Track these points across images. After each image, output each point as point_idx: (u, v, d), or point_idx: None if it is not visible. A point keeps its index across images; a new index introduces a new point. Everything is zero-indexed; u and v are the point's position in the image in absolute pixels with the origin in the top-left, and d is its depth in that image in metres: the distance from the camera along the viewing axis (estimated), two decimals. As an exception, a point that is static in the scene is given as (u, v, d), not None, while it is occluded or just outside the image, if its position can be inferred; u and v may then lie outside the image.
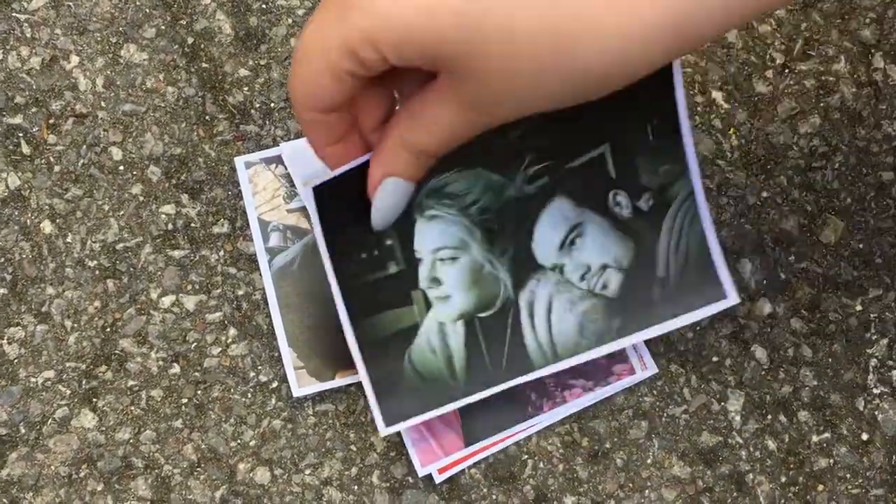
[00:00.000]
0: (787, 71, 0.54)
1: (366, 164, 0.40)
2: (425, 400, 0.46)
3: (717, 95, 0.53)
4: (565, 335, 0.47)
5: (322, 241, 0.43)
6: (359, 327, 0.46)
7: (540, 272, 0.47)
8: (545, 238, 0.47)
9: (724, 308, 0.46)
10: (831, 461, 0.49)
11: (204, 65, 0.53)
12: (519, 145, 0.45)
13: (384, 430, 0.46)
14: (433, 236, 0.46)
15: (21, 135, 0.51)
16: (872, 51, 0.54)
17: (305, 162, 0.51)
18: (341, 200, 0.42)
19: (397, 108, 0.39)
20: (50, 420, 0.48)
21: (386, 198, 0.39)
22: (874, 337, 0.51)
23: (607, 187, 0.46)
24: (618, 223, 0.47)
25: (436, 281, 0.46)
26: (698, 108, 0.53)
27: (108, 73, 0.52)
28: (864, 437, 0.50)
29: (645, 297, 0.47)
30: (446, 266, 0.46)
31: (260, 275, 0.50)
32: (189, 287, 0.50)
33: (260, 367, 0.49)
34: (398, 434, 0.48)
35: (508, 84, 0.33)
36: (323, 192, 0.41)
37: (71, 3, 0.53)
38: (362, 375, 0.46)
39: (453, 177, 0.45)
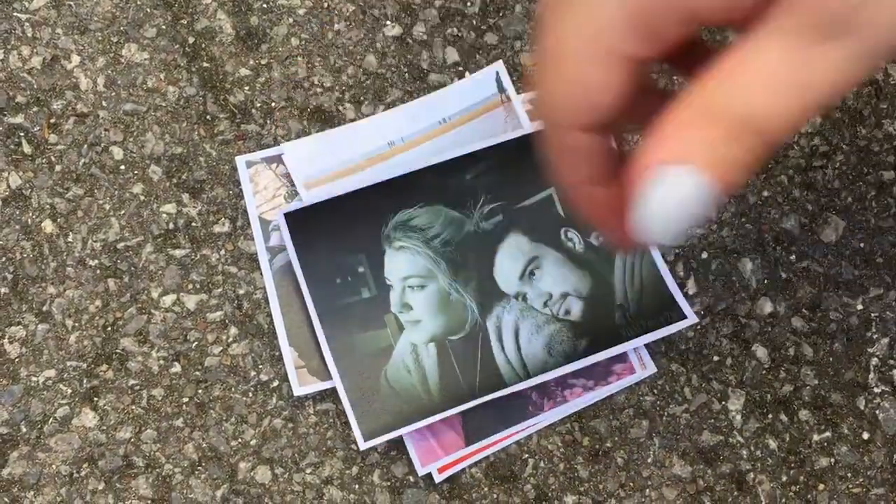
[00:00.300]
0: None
1: (335, 198, 0.42)
2: (403, 415, 0.48)
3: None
4: (534, 355, 0.49)
5: (297, 264, 0.47)
6: (337, 347, 0.49)
7: (504, 299, 0.50)
8: (505, 269, 0.50)
9: (686, 326, 0.50)
10: (832, 460, 0.49)
11: (205, 64, 0.53)
12: (474, 184, 0.50)
13: (363, 445, 0.48)
14: (402, 265, 0.50)
15: (22, 134, 0.51)
16: (873, 50, 0.54)
17: (309, 158, 0.51)
18: (314, 227, 0.45)
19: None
20: (51, 419, 0.48)
21: (673, 194, 0.23)
22: (875, 336, 0.51)
23: (558, 225, 0.50)
24: (572, 256, 0.50)
25: (406, 306, 0.50)
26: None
27: (109, 72, 0.52)
28: (865, 435, 0.50)
29: (607, 321, 0.50)
30: (415, 293, 0.50)
31: (261, 274, 0.50)
32: (190, 286, 0.50)
33: (261, 366, 0.49)
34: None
35: None
36: (296, 218, 0.44)
37: (72, 3, 0.53)
38: (341, 393, 0.48)
39: (417, 211, 0.50)
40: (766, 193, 0.52)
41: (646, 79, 0.25)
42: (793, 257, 0.51)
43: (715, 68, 0.22)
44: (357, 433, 0.48)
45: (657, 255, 0.50)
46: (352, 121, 0.52)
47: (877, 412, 0.50)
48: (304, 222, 0.48)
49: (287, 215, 0.48)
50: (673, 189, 0.22)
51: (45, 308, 0.50)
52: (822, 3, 0.21)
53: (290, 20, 0.54)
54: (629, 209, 0.23)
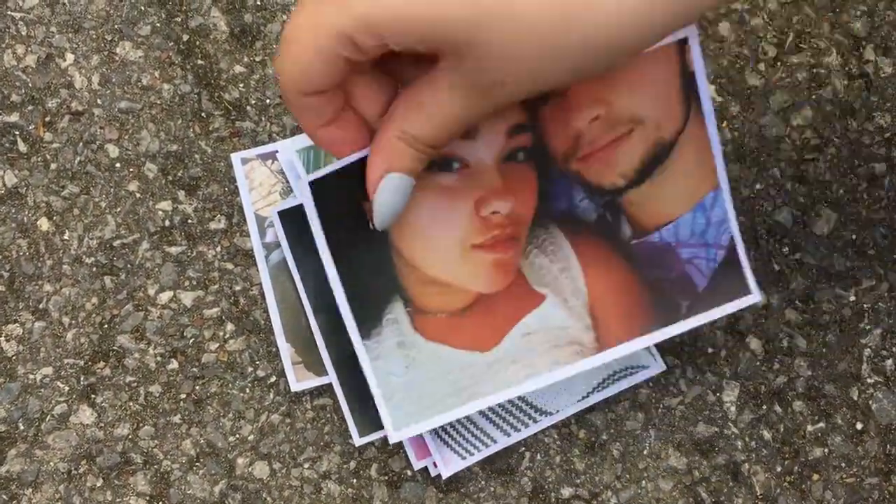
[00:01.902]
0: (779, 64, 0.54)
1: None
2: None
3: (710, 88, 0.54)
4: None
5: (291, 261, 0.43)
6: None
7: None
8: None
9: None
10: (826, 450, 0.50)
11: (199, 62, 0.53)
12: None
13: (360, 440, 0.47)
14: None
15: (17, 133, 0.51)
16: (864, 43, 0.54)
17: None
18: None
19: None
20: (49, 416, 0.49)
21: (387, 195, 0.36)
22: (867, 327, 0.51)
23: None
24: None
25: None
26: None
27: (104, 70, 0.53)
28: (859, 426, 0.50)
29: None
30: None
31: (257, 270, 0.50)
32: (186, 283, 0.50)
33: (258, 362, 0.49)
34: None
35: (511, 64, 0.33)
36: (291, 215, 0.40)
37: (66, 1, 0.53)
38: (337, 388, 0.47)
39: None
40: (758, 186, 0.52)
41: (368, 66, 0.36)
42: (785, 249, 0.52)
43: (403, 100, 0.35)
44: (353, 428, 0.48)
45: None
46: (346, 117, 0.52)
47: (870, 402, 0.50)
48: (299, 219, 0.47)
49: (281, 213, 0.46)
50: (390, 188, 0.36)
51: (41, 306, 0.50)
52: (480, 75, 0.33)
53: (285, 17, 0.54)
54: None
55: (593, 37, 0.32)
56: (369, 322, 0.42)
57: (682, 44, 0.40)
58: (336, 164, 0.38)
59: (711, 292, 0.42)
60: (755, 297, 0.43)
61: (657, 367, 0.49)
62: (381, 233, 0.40)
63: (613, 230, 0.40)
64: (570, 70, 0.33)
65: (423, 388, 0.42)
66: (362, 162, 0.37)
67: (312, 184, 0.39)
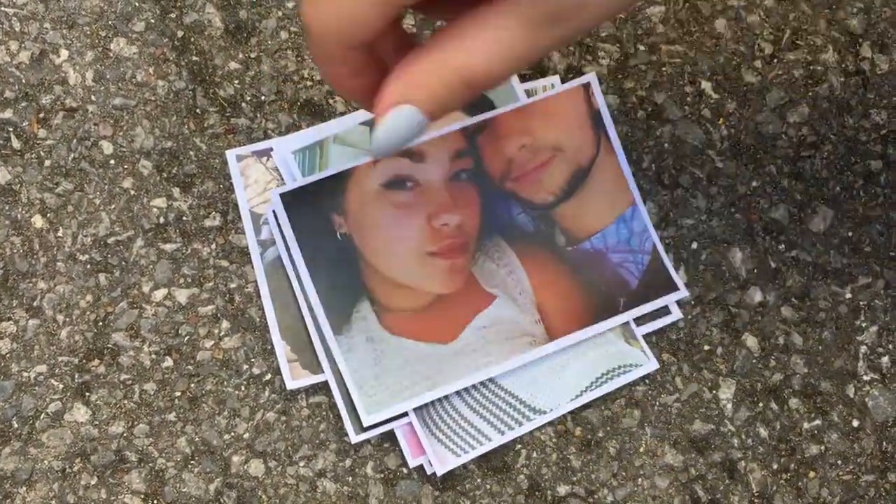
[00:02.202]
0: (775, 61, 0.54)
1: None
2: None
3: (706, 85, 0.54)
4: None
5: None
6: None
7: None
8: None
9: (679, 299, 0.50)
10: (822, 448, 0.50)
11: (194, 58, 0.53)
12: None
13: (356, 438, 0.48)
14: None
15: (11, 129, 0.51)
16: (860, 40, 0.54)
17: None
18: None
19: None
20: (43, 414, 0.48)
21: (394, 128, 0.32)
22: (864, 324, 0.51)
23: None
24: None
25: None
26: (688, 99, 0.53)
27: (98, 66, 0.52)
28: (855, 423, 0.50)
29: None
30: None
31: (252, 267, 0.50)
32: (181, 280, 0.50)
33: (253, 360, 0.49)
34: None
35: None
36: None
37: (60, -3, 0.53)
38: (333, 386, 0.48)
39: None
40: (755, 183, 0.52)
41: (398, 18, 0.32)
42: (782, 247, 0.52)
43: (449, 31, 0.30)
44: (349, 426, 0.48)
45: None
46: (342, 114, 0.52)
47: (866, 400, 0.50)
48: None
49: (283, 196, 0.48)
50: (401, 121, 0.32)
51: (35, 303, 0.49)
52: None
53: (280, 13, 0.54)
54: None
55: None
56: (340, 319, 0.48)
57: (587, 87, 0.50)
58: (306, 180, 0.43)
59: (644, 289, 0.49)
60: (682, 292, 0.50)
61: (651, 365, 0.49)
62: (348, 242, 0.46)
63: (549, 239, 0.48)
64: None
65: (392, 377, 0.47)
66: (331, 178, 0.42)
67: (284, 196, 0.44)
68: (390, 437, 0.48)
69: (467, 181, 0.45)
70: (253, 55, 0.53)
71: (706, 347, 0.51)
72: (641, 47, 0.53)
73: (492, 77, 0.30)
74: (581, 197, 0.48)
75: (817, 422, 0.50)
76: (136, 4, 0.53)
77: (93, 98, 0.52)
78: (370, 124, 0.51)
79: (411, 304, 0.47)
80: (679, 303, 0.50)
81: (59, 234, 0.50)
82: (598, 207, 0.48)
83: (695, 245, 0.51)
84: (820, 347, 0.51)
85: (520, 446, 0.49)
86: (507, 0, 0.29)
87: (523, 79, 0.52)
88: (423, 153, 0.46)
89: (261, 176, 0.51)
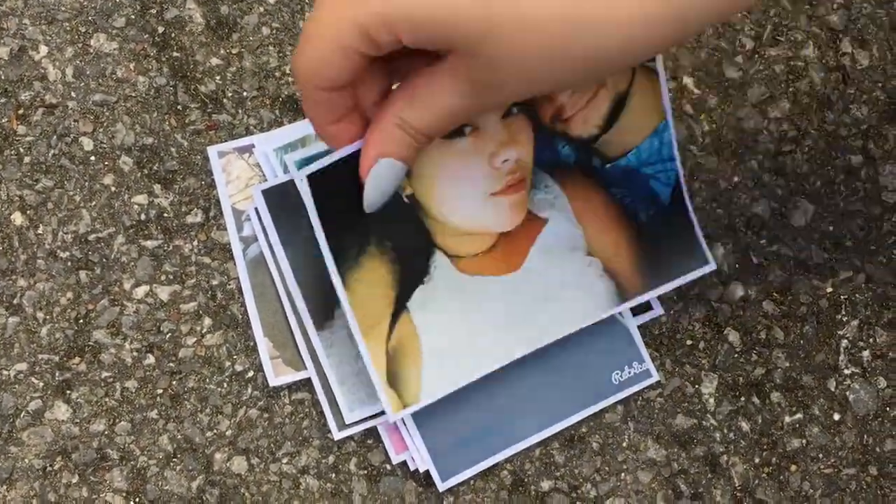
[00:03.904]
0: (756, 56, 0.54)
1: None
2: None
3: (688, 81, 0.54)
4: None
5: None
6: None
7: None
8: None
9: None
10: (804, 441, 0.50)
11: (175, 54, 0.52)
12: None
13: (338, 434, 0.48)
14: None
15: (-10, 126, 0.51)
16: (840, 36, 0.55)
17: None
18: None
19: (394, 86, 0.39)
20: (23, 413, 0.48)
21: (379, 179, 0.39)
22: (845, 318, 0.51)
23: None
24: None
25: None
26: (670, 94, 0.53)
27: (78, 62, 0.52)
28: (836, 417, 0.50)
29: None
30: None
31: (234, 264, 0.50)
32: (163, 277, 0.50)
33: (235, 357, 0.49)
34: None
35: (517, 66, 0.35)
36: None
37: (39, -7, 0.52)
38: (315, 383, 0.48)
39: None
40: (736, 179, 0.53)
41: (375, 61, 0.37)
42: (763, 242, 0.52)
43: (404, 89, 0.37)
44: (332, 423, 0.48)
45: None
46: (324, 110, 0.52)
47: (847, 393, 0.50)
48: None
49: (311, 177, 0.46)
50: (382, 172, 0.39)
51: (15, 301, 0.49)
52: (486, 73, 0.35)
53: (261, 9, 0.53)
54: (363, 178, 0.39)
55: (601, 47, 0.34)
56: (323, 315, 0.48)
57: None
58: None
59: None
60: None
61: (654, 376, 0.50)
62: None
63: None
64: (571, 78, 0.36)
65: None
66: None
67: (311, 177, 0.42)
68: (373, 433, 0.48)
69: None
70: (234, 51, 0.53)
71: (688, 342, 0.51)
72: (623, 43, 0.54)
73: (441, 130, 0.38)
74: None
75: (799, 416, 0.50)
76: (117, 0, 0.53)
77: (73, 94, 0.52)
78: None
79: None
80: (661, 298, 0.51)
81: (39, 231, 0.50)
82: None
83: (677, 240, 0.52)
84: (801, 342, 0.51)
85: (503, 442, 0.49)
86: (448, 69, 0.35)
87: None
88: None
89: (242, 172, 0.51)
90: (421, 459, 0.47)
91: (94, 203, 0.50)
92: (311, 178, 0.41)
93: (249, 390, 0.49)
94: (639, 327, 0.50)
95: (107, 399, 0.48)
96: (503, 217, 0.46)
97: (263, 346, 0.49)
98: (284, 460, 0.48)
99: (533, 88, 0.36)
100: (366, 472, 0.48)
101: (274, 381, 0.48)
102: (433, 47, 0.35)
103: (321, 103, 0.38)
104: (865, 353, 0.51)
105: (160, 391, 0.49)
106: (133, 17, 0.53)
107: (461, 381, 0.47)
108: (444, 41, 0.34)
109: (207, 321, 0.49)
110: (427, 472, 0.48)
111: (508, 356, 0.47)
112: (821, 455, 0.50)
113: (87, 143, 0.51)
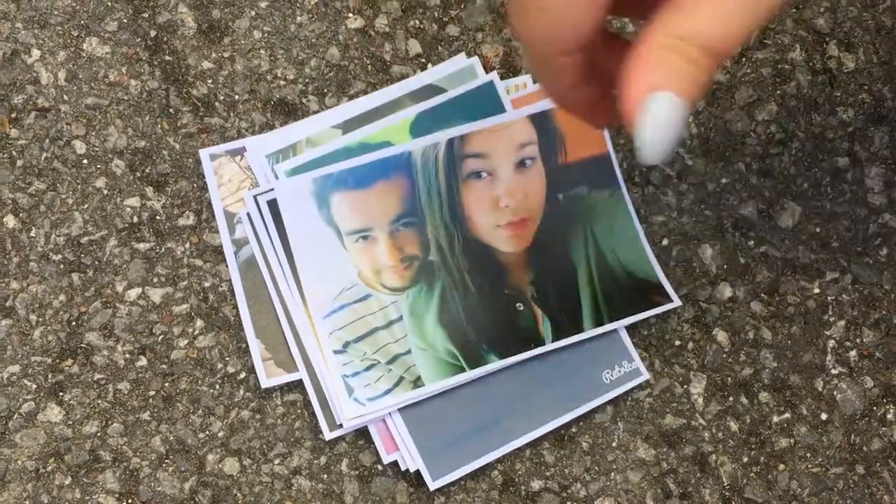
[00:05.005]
0: (743, 59, 0.55)
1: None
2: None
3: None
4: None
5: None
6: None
7: None
8: None
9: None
10: (792, 441, 0.50)
11: (167, 58, 0.53)
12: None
13: (330, 435, 0.48)
14: None
15: (-18, 129, 0.51)
16: (827, 39, 0.55)
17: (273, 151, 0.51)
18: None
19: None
20: (16, 415, 0.48)
21: (660, 119, 0.28)
22: (832, 319, 0.52)
23: None
24: None
25: None
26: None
27: (71, 66, 0.52)
28: (823, 416, 0.51)
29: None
30: None
31: (226, 266, 0.50)
32: (155, 279, 0.50)
33: (227, 359, 0.49)
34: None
35: None
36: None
37: (31, -3, 0.53)
38: (307, 384, 0.48)
39: None
40: (724, 180, 0.53)
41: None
42: (751, 243, 0.52)
43: (669, 6, 0.28)
44: (323, 423, 0.48)
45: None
46: (315, 113, 0.52)
47: (834, 393, 0.51)
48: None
49: (256, 197, 0.50)
50: (659, 114, 0.28)
51: (8, 303, 0.49)
52: None
53: (253, 13, 0.54)
54: (615, 114, 0.31)
55: None
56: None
57: None
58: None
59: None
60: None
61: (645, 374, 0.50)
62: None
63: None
64: None
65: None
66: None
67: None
68: (364, 434, 0.49)
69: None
70: (226, 55, 0.53)
71: (677, 343, 0.51)
72: (612, 46, 0.54)
73: (731, 40, 0.28)
74: None
75: (786, 415, 0.51)
76: (109, 4, 0.53)
77: (65, 98, 0.52)
78: (342, 126, 0.52)
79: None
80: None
81: (32, 233, 0.50)
82: None
83: (665, 241, 0.52)
84: (789, 342, 0.51)
85: (494, 442, 0.49)
86: None
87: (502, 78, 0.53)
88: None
89: (234, 175, 0.51)
90: (412, 459, 0.48)
91: (86, 206, 0.51)
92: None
93: (241, 392, 0.49)
94: (627, 328, 0.51)
95: (99, 401, 0.49)
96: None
97: (255, 348, 0.49)
98: (276, 461, 0.48)
99: None
100: (357, 472, 0.49)
101: (266, 383, 0.49)
102: None
103: (561, 72, 0.31)
104: (852, 353, 0.51)
105: (152, 393, 0.49)
106: (125, 20, 0.53)
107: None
108: None
109: (200, 323, 0.50)
110: (418, 472, 0.48)
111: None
112: (808, 454, 0.50)
113: (80, 147, 0.51)
